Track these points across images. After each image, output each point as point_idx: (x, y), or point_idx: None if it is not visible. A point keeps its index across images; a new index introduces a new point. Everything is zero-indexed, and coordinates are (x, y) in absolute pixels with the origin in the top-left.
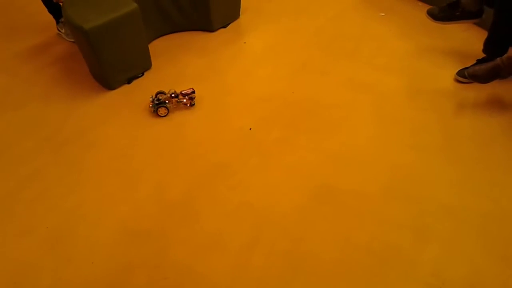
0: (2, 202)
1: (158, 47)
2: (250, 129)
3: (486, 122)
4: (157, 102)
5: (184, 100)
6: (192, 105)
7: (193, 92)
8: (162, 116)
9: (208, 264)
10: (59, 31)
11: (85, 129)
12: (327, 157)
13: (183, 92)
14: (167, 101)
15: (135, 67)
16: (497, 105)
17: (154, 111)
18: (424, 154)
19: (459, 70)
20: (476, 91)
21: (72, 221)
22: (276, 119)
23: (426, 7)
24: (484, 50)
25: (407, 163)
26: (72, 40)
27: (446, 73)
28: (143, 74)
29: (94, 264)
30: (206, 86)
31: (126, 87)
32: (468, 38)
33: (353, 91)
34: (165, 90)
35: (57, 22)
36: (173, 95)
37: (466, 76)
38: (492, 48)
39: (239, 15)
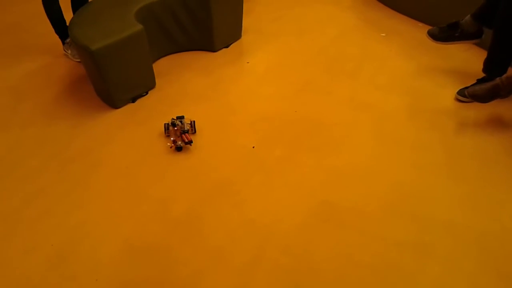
0: (7, 220)
1: (162, 67)
2: (253, 147)
3: (487, 140)
4: (182, 131)
5: (172, 138)
6: (176, 148)
7: (188, 142)
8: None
9: (212, 281)
10: (65, 51)
11: (90, 148)
12: (329, 175)
13: (184, 135)
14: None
15: (140, 86)
16: (498, 124)
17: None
18: (425, 172)
19: (460, 89)
20: (477, 110)
21: (76, 239)
22: (278, 138)
23: (427, 27)
24: (484, 70)
25: (409, 181)
26: (78, 60)
27: (447, 93)
28: (147, 93)
29: (98, 281)
30: (209, 105)
31: (130, 106)
32: (468, 58)
33: (355, 110)
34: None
35: (63, 43)
36: (182, 132)
37: (466, 95)
38: (491, 68)
39: (241, 36)
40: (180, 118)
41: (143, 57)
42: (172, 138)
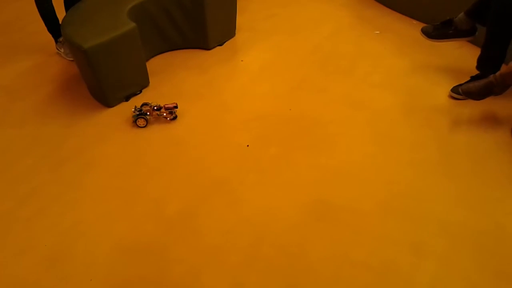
0: (0, 220)
1: (156, 65)
2: (248, 145)
3: (481, 137)
4: (138, 112)
5: (165, 114)
6: (173, 118)
7: (175, 107)
8: (141, 127)
9: (207, 280)
10: (58, 50)
11: (83, 147)
12: (324, 173)
13: (166, 106)
14: (148, 113)
15: (133, 84)
16: (491, 121)
17: (134, 121)
18: (420, 170)
19: (454, 86)
20: (471, 107)
21: (70, 239)
22: (273, 136)
23: (421, 25)
24: (478, 67)
25: (404, 179)
26: (71, 59)
27: (441, 90)
28: (141, 91)
29: (93, 281)
30: (203, 103)
31: (124, 105)
32: (462, 56)
33: (350, 108)
34: (150, 102)
35: (56, 42)
36: (155, 107)
37: (460, 92)
38: (485, 65)
39: (235, 34)
40: (137, 108)
41: (137, 55)
42: (164, 114)
